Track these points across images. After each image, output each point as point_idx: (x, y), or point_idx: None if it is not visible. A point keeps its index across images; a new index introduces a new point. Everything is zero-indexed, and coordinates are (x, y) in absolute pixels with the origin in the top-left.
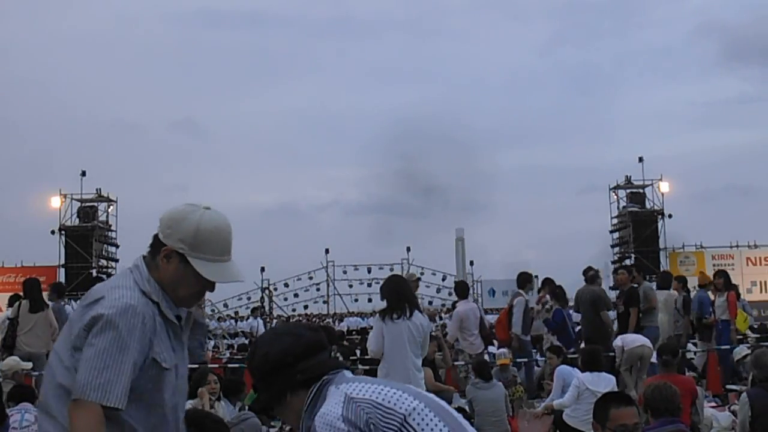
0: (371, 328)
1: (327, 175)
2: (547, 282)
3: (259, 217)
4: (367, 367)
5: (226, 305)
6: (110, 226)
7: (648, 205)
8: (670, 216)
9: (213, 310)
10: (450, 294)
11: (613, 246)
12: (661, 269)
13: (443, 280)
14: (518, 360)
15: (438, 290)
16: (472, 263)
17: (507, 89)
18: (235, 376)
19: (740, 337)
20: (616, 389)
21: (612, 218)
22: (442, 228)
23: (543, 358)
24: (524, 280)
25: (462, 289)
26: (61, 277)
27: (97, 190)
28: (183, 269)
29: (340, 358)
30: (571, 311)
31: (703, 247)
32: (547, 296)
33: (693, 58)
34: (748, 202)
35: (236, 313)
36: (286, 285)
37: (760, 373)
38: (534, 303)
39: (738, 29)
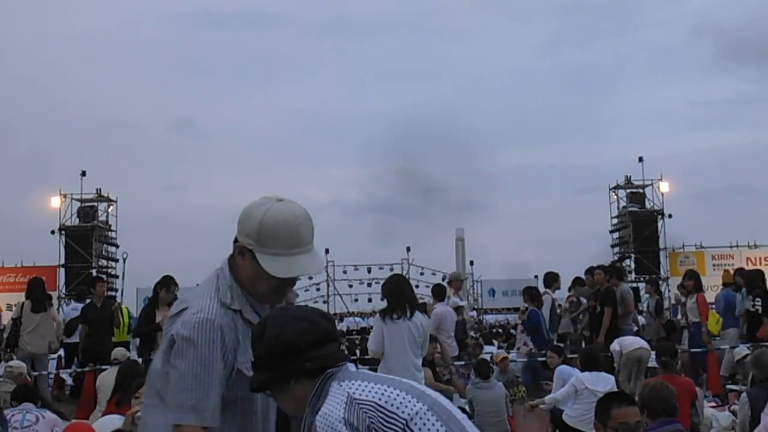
0: (371, 328)
1: (327, 175)
2: (578, 281)
3: None
4: (367, 367)
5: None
6: (110, 226)
7: (648, 205)
8: (670, 216)
9: None
10: None
11: (613, 246)
12: (661, 269)
13: (443, 280)
14: (539, 359)
15: None
16: (472, 263)
17: (507, 89)
18: None
19: (717, 338)
20: (615, 389)
21: (612, 218)
22: (442, 228)
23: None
24: (550, 279)
25: (439, 291)
26: (61, 277)
27: (97, 190)
28: (256, 265)
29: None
30: (543, 312)
31: (703, 247)
32: (578, 297)
33: (693, 58)
34: (748, 202)
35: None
36: None
37: (760, 373)
38: (563, 301)
39: (737, 29)
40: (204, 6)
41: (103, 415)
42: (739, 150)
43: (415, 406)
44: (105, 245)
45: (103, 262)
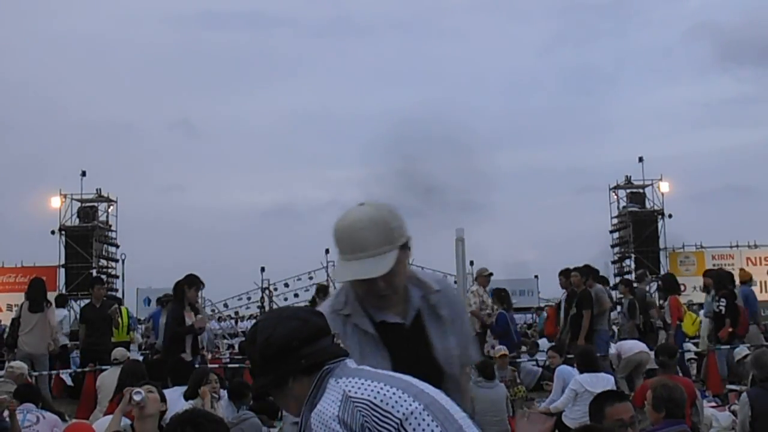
0: None
1: (326, 175)
2: (599, 280)
3: (259, 217)
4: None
5: (226, 305)
6: (110, 226)
7: (648, 205)
8: (670, 216)
9: (213, 310)
10: None
11: (613, 246)
12: (661, 269)
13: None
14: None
15: None
16: (472, 263)
17: (507, 89)
18: (240, 379)
19: (696, 340)
20: (614, 388)
21: (612, 218)
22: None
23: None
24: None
25: None
26: (61, 277)
27: (97, 190)
28: None
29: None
30: (513, 314)
31: (703, 247)
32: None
33: (693, 59)
34: (748, 202)
35: (236, 313)
36: (286, 285)
37: (760, 373)
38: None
39: (737, 29)
40: (204, 7)
41: (105, 416)
42: (740, 150)
43: (410, 405)
44: (105, 245)
45: (103, 262)
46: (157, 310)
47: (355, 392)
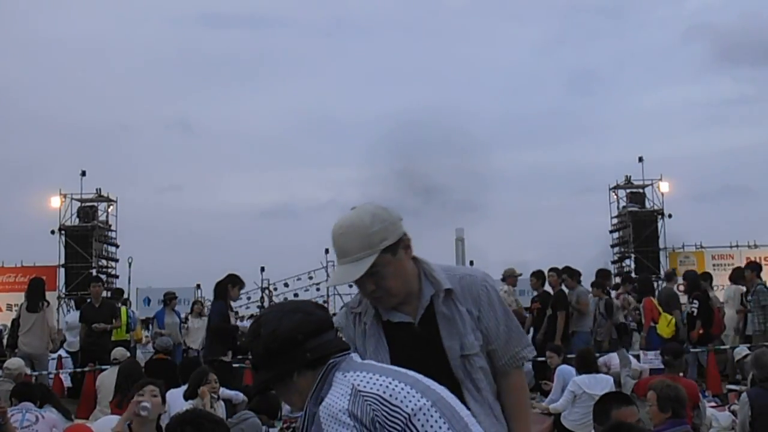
0: None
1: (326, 175)
2: (627, 279)
3: (258, 217)
4: None
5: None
6: (110, 226)
7: (648, 205)
8: (670, 216)
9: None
10: None
11: (613, 246)
12: (661, 269)
13: None
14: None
15: None
16: (472, 263)
17: (507, 89)
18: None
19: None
20: (614, 389)
21: (612, 218)
22: (442, 228)
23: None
24: (603, 277)
25: None
26: (61, 277)
27: (97, 190)
28: None
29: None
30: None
31: (703, 247)
32: (627, 295)
33: (693, 59)
34: (748, 202)
35: (236, 313)
36: (286, 285)
37: (760, 373)
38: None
39: (737, 30)
40: (204, 8)
41: (105, 416)
42: (740, 150)
43: (419, 401)
44: (105, 245)
45: (103, 262)
46: (161, 310)
47: (364, 386)
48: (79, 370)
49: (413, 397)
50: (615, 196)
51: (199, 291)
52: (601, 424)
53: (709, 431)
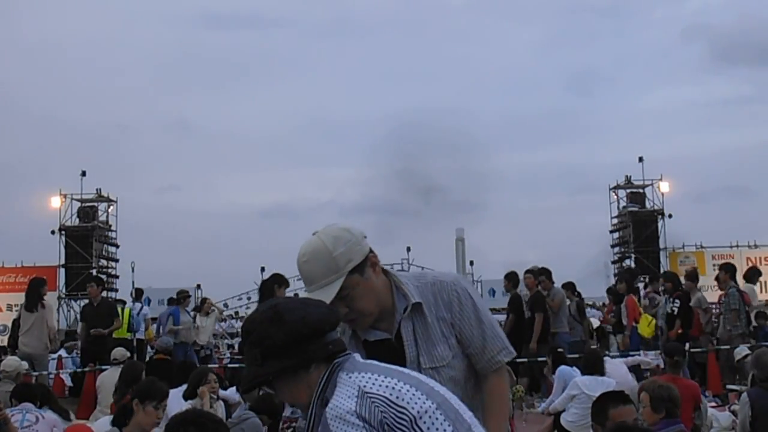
0: None
1: (326, 175)
2: (654, 278)
3: (258, 217)
4: None
5: (226, 305)
6: (110, 226)
7: (648, 205)
8: (670, 216)
9: (213, 311)
10: None
11: (613, 246)
12: (662, 269)
13: None
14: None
15: None
16: (472, 263)
17: (506, 89)
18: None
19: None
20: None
21: (612, 218)
22: (442, 228)
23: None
24: (631, 276)
25: None
26: (61, 277)
27: (97, 190)
28: None
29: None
30: None
31: (703, 247)
32: (654, 293)
33: (694, 59)
34: (749, 202)
35: (236, 313)
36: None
37: (760, 373)
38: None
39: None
40: (203, 9)
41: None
42: (740, 150)
43: (424, 403)
44: (105, 245)
45: (104, 262)
46: (175, 308)
47: (370, 388)
48: (79, 370)
49: (419, 399)
50: (615, 196)
51: (199, 291)
52: (599, 424)
53: (709, 431)
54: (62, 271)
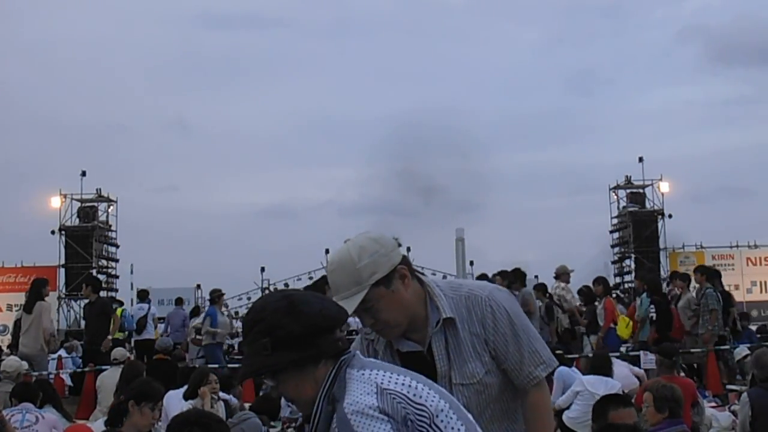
0: None
1: (326, 175)
2: (678, 276)
3: (258, 217)
4: None
5: (226, 305)
6: (110, 226)
7: (648, 205)
8: (670, 216)
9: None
10: None
11: (613, 246)
12: (662, 269)
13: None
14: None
15: None
16: (472, 263)
17: (506, 89)
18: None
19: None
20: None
21: (612, 218)
22: (442, 228)
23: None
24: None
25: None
26: (61, 277)
27: (97, 190)
28: None
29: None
30: None
31: (703, 247)
32: (676, 290)
33: (694, 59)
34: (748, 202)
35: (236, 313)
36: (286, 285)
37: (760, 373)
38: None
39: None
40: (203, 9)
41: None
42: (740, 150)
43: (439, 402)
44: (105, 245)
45: (103, 262)
46: (211, 308)
47: (387, 384)
48: (79, 370)
49: (434, 397)
50: (615, 196)
51: (199, 291)
52: (599, 425)
53: (709, 431)
54: (62, 271)
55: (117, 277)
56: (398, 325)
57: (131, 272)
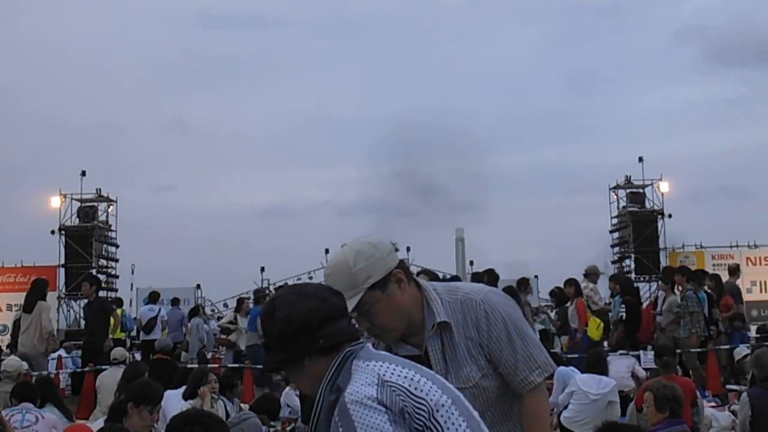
0: None
1: (326, 175)
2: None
3: (258, 217)
4: None
5: (226, 305)
6: (110, 226)
7: (648, 205)
8: (670, 216)
9: (213, 310)
10: None
11: (613, 246)
12: (662, 269)
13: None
14: None
15: None
16: (472, 263)
17: (506, 89)
18: (228, 373)
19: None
20: (612, 392)
21: (612, 218)
22: (442, 228)
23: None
24: (671, 274)
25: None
26: (61, 277)
27: (97, 190)
28: None
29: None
30: None
31: (703, 247)
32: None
33: (693, 59)
34: (749, 202)
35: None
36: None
37: (760, 372)
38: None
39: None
40: (203, 9)
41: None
42: (740, 150)
43: (440, 396)
44: (105, 245)
45: (103, 262)
46: (254, 308)
47: (389, 376)
48: (79, 370)
49: (435, 392)
50: (615, 196)
51: (199, 291)
52: None
53: (709, 431)
54: (62, 271)
55: (117, 277)
56: (395, 329)
57: (132, 272)
